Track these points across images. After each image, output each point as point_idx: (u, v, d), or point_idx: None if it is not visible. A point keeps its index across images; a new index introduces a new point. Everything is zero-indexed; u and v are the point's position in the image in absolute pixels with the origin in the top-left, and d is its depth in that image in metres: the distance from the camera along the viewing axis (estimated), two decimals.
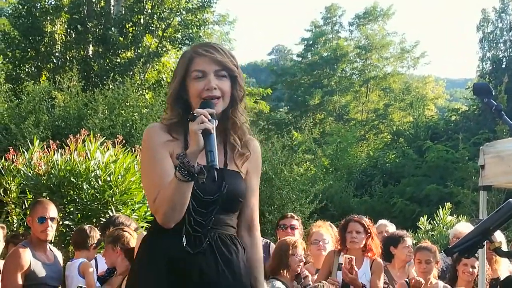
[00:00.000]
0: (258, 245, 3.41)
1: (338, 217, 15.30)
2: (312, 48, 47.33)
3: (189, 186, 2.98)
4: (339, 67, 45.63)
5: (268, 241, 7.48)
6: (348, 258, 6.09)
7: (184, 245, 3.08)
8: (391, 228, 8.13)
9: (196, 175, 2.93)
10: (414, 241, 7.85)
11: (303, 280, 6.41)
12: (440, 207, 13.79)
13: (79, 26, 23.08)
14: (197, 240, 3.10)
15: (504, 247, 6.67)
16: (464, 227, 7.97)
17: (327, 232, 7.20)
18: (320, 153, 28.79)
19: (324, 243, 7.01)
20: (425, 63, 67.02)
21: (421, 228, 13.50)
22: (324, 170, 25.41)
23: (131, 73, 21.34)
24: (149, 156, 3.19)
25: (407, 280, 6.48)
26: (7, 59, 22.76)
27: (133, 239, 5.78)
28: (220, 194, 3.11)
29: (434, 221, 13.48)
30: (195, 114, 2.96)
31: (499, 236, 6.64)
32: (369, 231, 6.50)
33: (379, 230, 7.89)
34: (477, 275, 6.62)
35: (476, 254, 6.08)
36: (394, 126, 38.66)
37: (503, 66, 32.78)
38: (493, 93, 2.94)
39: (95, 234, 6.33)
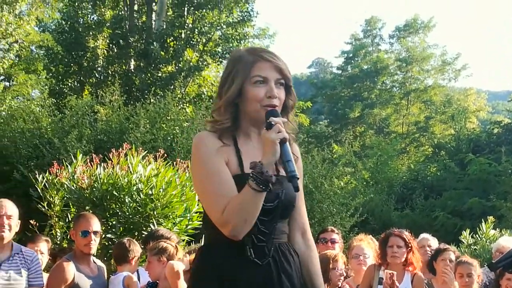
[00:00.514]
0: (314, 248, 3.34)
1: (378, 230, 15.17)
2: (352, 61, 47.28)
3: (262, 197, 2.88)
4: (379, 79, 45.46)
5: None
6: (390, 273, 6.05)
7: (253, 257, 2.98)
8: (433, 242, 8.05)
9: (273, 185, 2.84)
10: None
11: None
12: (483, 220, 13.62)
13: (121, 41, 23.38)
14: (261, 250, 3.00)
15: None
16: (508, 241, 7.87)
17: (368, 246, 7.16)
18: (360, 166, 28.65)
19: (365, 257, 6.97)
20: (467, 75, 66.41)
21: (463, 242, 13.34)
22: (365, 183, 25.30)
23: (172, 87, 21.52)
24: (205, 166, 3.05)
25: None
26: (51, 74, 23.18)
27: (178, 252, 5.83)
28: (279, 201, 3.02)
29: (477, 235, 13.32)
30: (272, 123, 2.89)
31: None
32: (410, 245, 6.47)
33: (421, 244, 7.81)
34: None
35: None
36: (435, 139, 38.29)
37: None
38: None
39: (135, 247, 6.35)
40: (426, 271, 7.17)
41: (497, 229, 13.95)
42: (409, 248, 6.45)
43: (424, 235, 8.23)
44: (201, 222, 8.69)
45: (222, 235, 2.97)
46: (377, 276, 6.31)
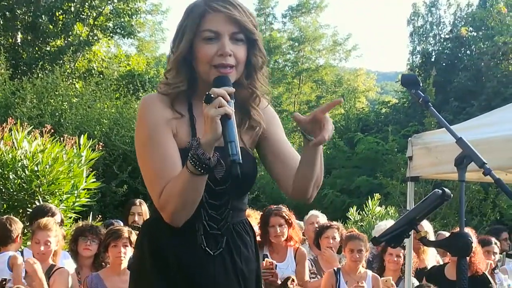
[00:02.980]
0: None
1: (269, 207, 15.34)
2: None
3: (203, 180, 2.48)
4: (272, 58, 45.73)
5: None
6: (269, 262, 6.09)
7: (204, 246, 2.64)
8: (322, 219, 8.17)
9: (212, 168, 2.46)
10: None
11: None
12: (370, 198, 13.98)
13: (7, 12, 22.59)
14: (213, 239, 2.67)
15: (432, 237, 6.78)
16: (390, 224, 8.07)
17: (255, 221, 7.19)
18: None
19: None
20: (357, 56, 67.73)
21: (350, 219, 13.65)
22: (257, 160, 25.47)
23: (61, 61, 21.01)
24: (148, 137, 2.62)
25: (335, 268, 6.52)
26: None
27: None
28: (233, 181, 2.60)
29: (363, 212, 13.66)
30: (211, 95, 2.39)
31: (426, 226, 6.77)
32: (290, 221, 6.54)
33: (310, 221, 7.95)
34: (403, 264, 6.72)
35: (403, 244, 6.16)
36: None
37: (432, 59, 33.38)
38: (421, 85, 2.95)
39: (16, 225, 6.13)
40: (314, 248, 7.29)
41: (383, 206, 14.34)
42: (290, 224, 6.53)
43: (312, 212, 8.36)
44: (89, 200, 8.54)
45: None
46: (261, 254, 6.34)
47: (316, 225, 7.75)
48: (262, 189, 22.35)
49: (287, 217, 6.52)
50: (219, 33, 2.61)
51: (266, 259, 6.19)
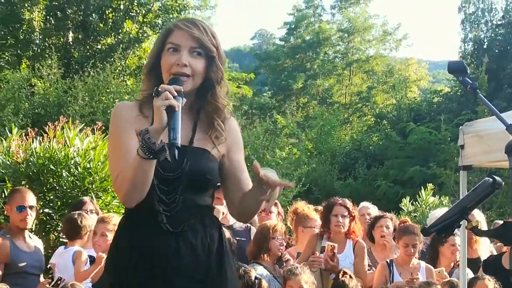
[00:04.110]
0: None
1: (322, 200, 15.27)
2: (295, 32, 47.25)
3: (151, 165, 2.84)
4: (322, 50, 45.58)
5: (249, 225, 7.44)
6: (331, 246, 6.10)
7: (164, 222, 2.97)
8: (373, 210, 8.11)
9: (157, 152, 2.77)
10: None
11: (284, 264, 6.39)
12: (423, 188, 13.83)
13: (58, 12, 22.91)
14: (160, 218, 2.98)
15: (484, 227, 6.66)
16: (442, 212, 7.95)
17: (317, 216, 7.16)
18: (303, 136, 28.78)
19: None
20: (408, 45, 66.96)
21: (404, 210, 13.53)
22: (308, 153, 25.40)
23: (112, 59, 21.19)
24: (115, 134, 3.06)
25: (387, 260, 6.47)
26: None
27: None
28: (182, 171, 2.97)
29: (417, 202, 13.52)
30: (159, 90, 2.81)
31: (477, 216, 6.65)
32: (353, 214, 6.52)
33: (361, 212, 7.87)
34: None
35: (454, 233, 6.07)
36: (377, 109, 38.69)
37: (484, 47, 32.86)
38: (468, 71, 2.89)
39: (86, 222, 6.21)
40: (366, 240, 7.23)
41: (437, 196, 14.18)
42: (352, 217, 6.50)
43: (364, 204, 8.30)
44: None
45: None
46: (319, 245, 6.33)
47: (368, 217, 7.69)
48: (314, 182, 22.30)
49: (350, 209, 6.50)
50: (180, 46, 3.04)
51: (327, 242, 6.22)
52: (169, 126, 2.76)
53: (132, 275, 2.98)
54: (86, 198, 7.12)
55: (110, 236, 5.79)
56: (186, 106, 2.93)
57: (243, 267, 5.84)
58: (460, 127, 6.14)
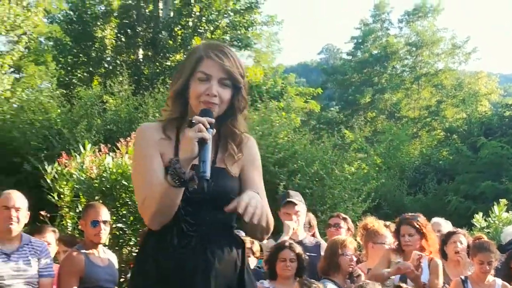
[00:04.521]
0: None
1: (391, 215, 15.11)
2: (362, 46, 47.05)
3: (179, 192, 2.94)
4: (390, 64, 45.24)
5: (319, 241, 7.42)
6: (418, 255, 6.04)
7: (175, 243, 3.05)
8: (445, 225, 7.99)
9: (186, 182, 2.87)
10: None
11: (355, 279, 6.34)
12: (496, 203, 13.55)
13: (129, 30, 23.35)
14: (186, 239, 3.06)
15: None
16: None
17: (387, 232, 7.12)
18: (372, 151, 28.54)
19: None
20: (477, 59, 65.88)
21: (476, 226, 13.27)
22: (377, 168, 25.17)
23: None
24: (140, 156, 3.16)
25: (462, 277, 6.37)
26: (60, 65, 23.21)
27: None
28: (203, 193, 2.98)
29: (490, 218, 13.25)
30: (193, 121, 2.91)
31: None
32: (422, 231, 6.42)
33: (433, 229, 7.75)
34: None
35: None
36: (447, 123, 38.09)
37: None
38: None
39: None
40: (439, 256, 7.13)
41: (510, 212, 13.86)
42: (422, 234, 6.41)
43: (435, 220, 8.20)
44: None
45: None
46: (394, 262, 6.28)
47: (438, 234, 7.58)
48: (383, 197, 22.09)
49: (418, 226, 6.41)
50: (211, 76, 3.11)
51: (414, 251, 6.17)
52: (199, 158, 2.86)
53: None
54: None
55: None
56: None
57: (314, 284, 5.82)
58: None
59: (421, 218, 6.60)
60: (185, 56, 2.83)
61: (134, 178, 3.23)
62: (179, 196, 2.95)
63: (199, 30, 24.20)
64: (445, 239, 7.10)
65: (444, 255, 7.05)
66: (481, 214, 13.48)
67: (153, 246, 3.10)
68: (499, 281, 6.38)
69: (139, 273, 3.15)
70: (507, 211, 13.58)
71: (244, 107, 3.27)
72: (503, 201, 13.59)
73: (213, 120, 2.96)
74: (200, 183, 2.87)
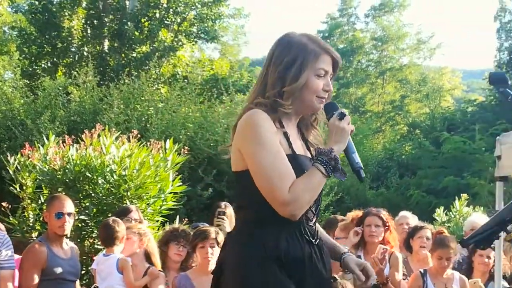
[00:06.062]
0: None
1: (354, 209, 15.21)
2: (328, 40, 47.17)
3: (324, 181, 3.04)
4: (355, 59, 45.50)
5: None
6: (383, 249, 6.07)
7: (308, 236, 3.11)
8: (412, 219, 8.04)
9: (338, 173, 3.01)
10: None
11: None
12: (457, 198, 13.70)
13: (95, 21, 23.15)
14: (311, 230, 3.16)
15: None
16: (479, 218, 7.92)
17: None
18: None
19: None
20: (442, 54, 66.52)
21: (437, 220, 13.41)
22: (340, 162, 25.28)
23: (147, 67, 21.31)
24: (266, 146, 3.02)
25: (421, 270, 6.46)
26: (24, 55, 22.90)
27: None
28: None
29: (451, 213, 13.40)
30: (345, 114, 3.09)
31: None
32: (387, 224, 6.50)
33: (399, 222, 7.81)
34: (493, 266, 6.57)
35: (492, 245, 6.02)
36: (410, 118, 38.45)
37: None
38: (509, 83, 2.91)
39: (121, 227, 6.18)
40: (403, 249, 7.21)
41: (471, 206, 14.03)
42: (387, 227, 6.48)
43: (403, 213, 8.24)
44: (175, 203, 8.61)
45: (275, 214, 3.00)
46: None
47: (406, 226, 7.64)
48: (346, 191, 22.19)
49: (384, 219, 6.49)
50: (328, 72, 3.22)
51: (379, 245, 6.23)
52: (350, 149, 3.09)
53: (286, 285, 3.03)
54: (133, 207, 7.15)
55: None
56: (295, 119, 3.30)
57: None
58: (497, 137, 6.10)
59: (386, 212, 6.69)
60: (281, 48, 2.62)
61: (263, 169, 3.01)
62: (322, 185, 3.05)
63: (166, 22, 24.11)
64: (412, 232, 7.17)
65: (408, 248, 7.12)
66: (442, 208, 13.62)
67: (279, 237, 3.04)
68: (457, 275, 6.47)
69: (263, 265, 3.01)
70: (467, 205, 13.74)
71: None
72: (464, 195, 13.75)
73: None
74: (360, 175, 3.08)
